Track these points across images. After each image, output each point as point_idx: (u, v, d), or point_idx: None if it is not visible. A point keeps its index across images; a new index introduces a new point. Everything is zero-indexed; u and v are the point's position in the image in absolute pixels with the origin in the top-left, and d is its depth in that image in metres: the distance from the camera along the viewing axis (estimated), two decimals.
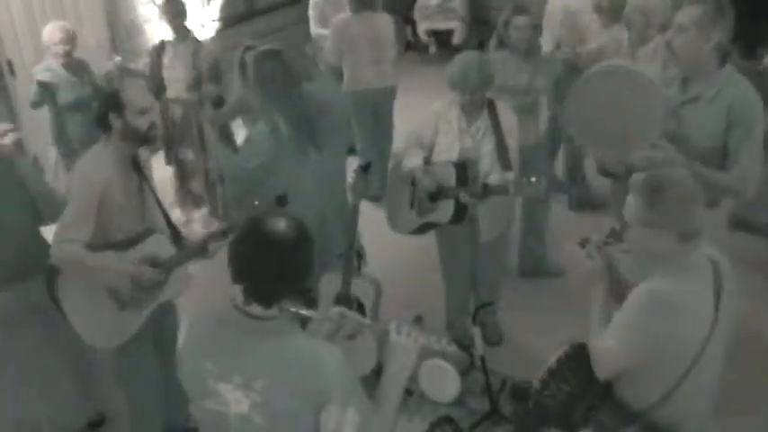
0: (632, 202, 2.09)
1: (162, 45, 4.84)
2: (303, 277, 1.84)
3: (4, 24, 5.10)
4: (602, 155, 3.21)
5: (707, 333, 2.08)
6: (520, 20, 4.08)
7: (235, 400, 1.81)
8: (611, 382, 2.22)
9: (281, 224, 1.81)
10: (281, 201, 3.12)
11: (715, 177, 2.75)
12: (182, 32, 4.79)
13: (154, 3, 5.99)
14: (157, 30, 6.16)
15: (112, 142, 2.74)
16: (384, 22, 5.11)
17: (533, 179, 3.15)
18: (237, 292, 1.84)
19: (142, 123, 2.70)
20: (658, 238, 2.05)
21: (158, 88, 4.74)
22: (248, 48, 4.03)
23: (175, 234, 2.92)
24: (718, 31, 2.76)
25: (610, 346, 2.14)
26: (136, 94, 2.72)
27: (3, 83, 5.16)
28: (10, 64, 5.22)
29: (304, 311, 2.01)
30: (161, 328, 3.04)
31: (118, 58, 4.71)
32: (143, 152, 2.89)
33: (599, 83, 3.12)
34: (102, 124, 2.73)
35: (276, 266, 1.79)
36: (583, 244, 2.40)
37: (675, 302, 2.04)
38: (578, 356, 2.22)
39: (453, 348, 2.08)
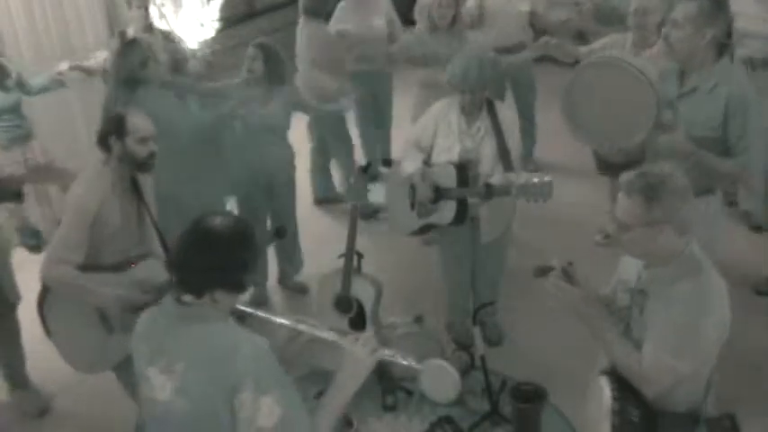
0: (629, 203, 2.06)
1: (125, 37, 4.78)
2: (235, 272, 1.87)
3: (4, 24, 5.09)
4: (599, 145, 3.25)
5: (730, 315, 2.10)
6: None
7: (159, 384, 1.87)
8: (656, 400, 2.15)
9: (218, 221, 1.87)
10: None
11: (723, 165, 2.87)
12: (147, 23, 4.78)
13: (154, 3, 5.99)
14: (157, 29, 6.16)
15: (110, 163, 2.76)
16: (310, 35, 4.89)
17: (535, 180, 3.15)
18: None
19: (141, 151, 2.74)
20: (660, 234, 2.05)
21: None
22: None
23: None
24: (714, 26, 2.82)
25: (667, 363, 2.04)
26: (140, 122, 2.76)
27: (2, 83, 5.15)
28: None
29: (261, 313, 2.02)
30: None
31: (64, 64, 4.66)
32: (144, 179, 2.89)
33: (591, 75, 3.16)
34: (103, 145, 2.76)
35: (205, 259, 1.84)
36: (542, 272, 2.29)
37: (715, 297, 2.05)
38: (623, 384, 2.13)
39: (420, 367, 2.07)
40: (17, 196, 3.25)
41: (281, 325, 2.16)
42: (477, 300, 3.84)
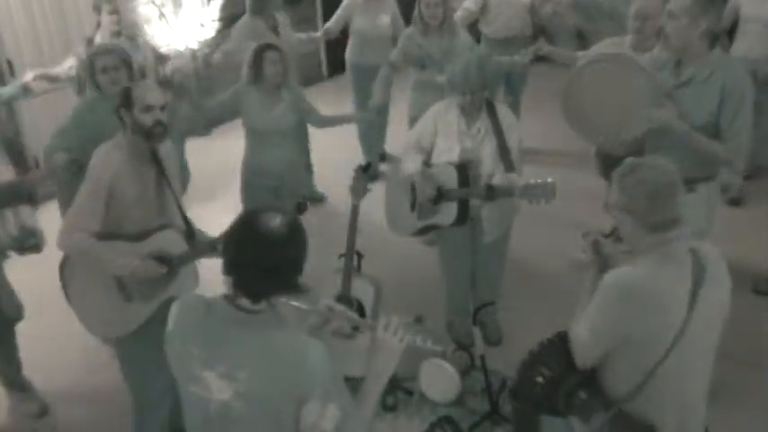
0: (613, 186, 2.16)
1: (91, 43, 4.66)
2: (293, 274, 1.84)
3: (4, 24, 5.10)
4: (600, 140, 3.30)
5: (679, 326, 2.05)
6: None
7: (217, 388, 1.82)
8: (596, 370, 2.24)
9: (275, 220, 1.80)
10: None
11: (713, 148, 2.97)
12: (117, 29, 4.69)
13: (154, 3, 5.98)
14: (157, 30, 6.15)
15: (126, 136, 2.82)
16: (254, 32, 5.01)
17: (539, 181, 3.16)
18: (227, 282, 1.84)
19: (146, 119, 2.77)
20: (625, 221, 2.11)
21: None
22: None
23: (189, 231, 2.94)
24: (708, 18, 2.92)
25: (580, 337, 2.18)
26: (144, 92, 2.81)
27: (3, 83, 5.16)
28: (10, 64, 5.23)
29: (293, 303, 2.01)
30: None
31: (30, 74, 4.58)
32: (164, 147, 2.92)
33: (592, 71, 3.20)
34: (118, 118, 2.83)
35: (266, 262, 1.78)
36: (586, 235, 2.44)
37: (642, 291, 2.04)
38: (561, 343, 2.26)
39: (439, 348, 2.11)
40: (30, 198, 3.18)
41: (312, 312, 2.15)
42: (477, 300, 3.84)
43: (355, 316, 2.16)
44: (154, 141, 2.83)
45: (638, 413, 2.15)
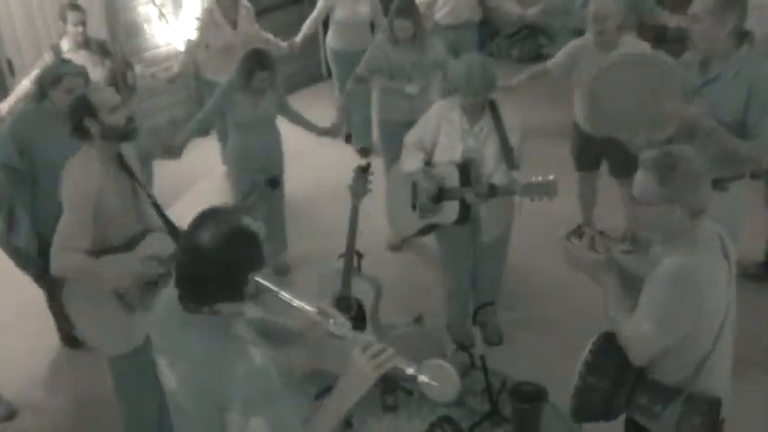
0: (644, 177, 2.10)
1: (58, 50, 4.66)
2: (231, 285, 1.78)
3: (4, 24, 5.10)
4: (625, 139, 3.29)
5: (728, 299, 2.13)
6: (400, 22, 4.40)
7: (167, 375, 1.89)
8: (643, 368, 2.23)
9: (208, 233, 1.74)
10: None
11: (738, 145, 2.93)
12: (83, 39, 4.69)
13: (154, 3, 5.98)
14: (157, 30, 6.16)
15: (95, 146, 2.74)
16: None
17: (540, 179, 3.16)
18: None
19: (118, 119, 2.72)
20: (671, 214, 2.08)
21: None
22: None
23: (173, 229, 2.91)
24: (733, 16, 2.87)
25: (646, 331, 2.11)
26: (104, 94, 2.75)
27: (2, 83, 5.16)
28: (10, 64, 5.22)
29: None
30: None
31: (4, 105, 4.61)
32: (128, 151, 2.88)
33: (617, 72, 3.20)
34: (80, 132, 2.72)
35: (196, 274, 1.75)
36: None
37: (700, 275, 2.07)
38: (609, 346, 2.21)
39: (427, 380, 2.00)
40: None
41: (300, 310, 2.02)
42: (477, 300, 3.84)
43: (343, 325, 1.97)
44: (131, 138, 2.78)
45: (700, 390, 2.16)
